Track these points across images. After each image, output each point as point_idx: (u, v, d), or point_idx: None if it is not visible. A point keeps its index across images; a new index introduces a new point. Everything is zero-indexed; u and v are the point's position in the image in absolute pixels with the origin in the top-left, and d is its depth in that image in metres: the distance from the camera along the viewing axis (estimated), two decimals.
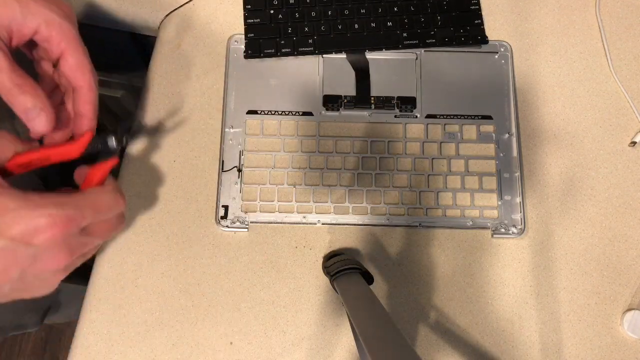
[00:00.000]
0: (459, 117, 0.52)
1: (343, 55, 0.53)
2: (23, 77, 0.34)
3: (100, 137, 0.38)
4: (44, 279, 0.32)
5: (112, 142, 0.39)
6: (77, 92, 0.38)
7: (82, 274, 0.49)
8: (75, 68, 0.37)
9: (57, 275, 0.33)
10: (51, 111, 0.35)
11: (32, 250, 0.29)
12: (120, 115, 0.88)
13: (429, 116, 0.52)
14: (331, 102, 0.52)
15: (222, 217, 0.49)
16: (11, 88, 0.34)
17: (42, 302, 0.69)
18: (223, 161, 0.51)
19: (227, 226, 0.49)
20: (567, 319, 0.48)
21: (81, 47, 0.38)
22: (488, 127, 0.53)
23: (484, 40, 0.54)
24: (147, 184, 0.50)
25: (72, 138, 0.39)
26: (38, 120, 0.35)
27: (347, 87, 0.53)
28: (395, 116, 0.52)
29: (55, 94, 0.41)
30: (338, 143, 0.51)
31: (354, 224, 0.50)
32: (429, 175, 0.51)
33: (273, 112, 0.52)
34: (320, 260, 0.49)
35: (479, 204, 0.51)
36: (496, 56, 0.54)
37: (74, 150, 0.37)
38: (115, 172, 0.51)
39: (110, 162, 0.37)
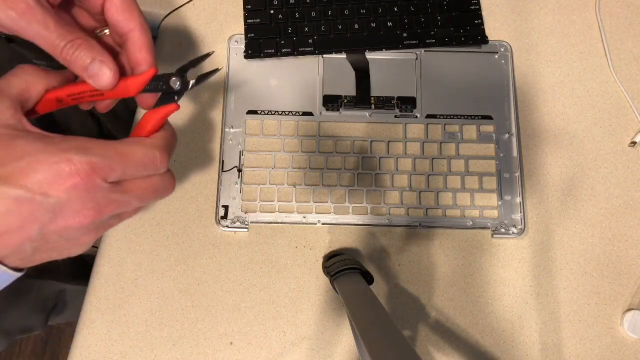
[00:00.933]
0: (459, 117, 0.52)
1: (343, 55, 0.53)
2: (73, 31, 0.30)
3: (163, 76, 0.32)
4: (71, 239, 0.28)
5: (177, 83, 0.33)
6: (129, 39, 0.33)
7: (85, 275, 0.49)
8: (122, 9, 0.33)
9: (85, 234, 0.28)
10: (112, 61, 0.31)
11: (50, 202, 0.25)
12: (118, 116, 0.88)
13: (429, 116, 0.52)
14: (331, 102, 0.52)
15: (222, 217, 0.49)
16: (64, 46, 0.29)
17: (48, 302, 0.69)
18: (223, 161, 0.51)
19: (227, 226, 0.49)
20: (567, 319, 0.48)
21: None
22: (488, 127, 0.53)
23: (484, 40, 0.54)
24: None
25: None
26: (101, 74, 0.30)
27: (347, 87, 0.53)
28: (395, 116, 0.52)
29: None
30: (338, 143, 0.51)
31: (354, 224, 0.50)
32: (429, 175, 0.51)
33: (273, 112, 0.52)
34: (320, 260, 0.49)
35: (479, 204, 0.51)
36: (496, 56, 0.54)
37: (131, 87, 0.32)
38: None
39: (168, 108, 0.32)
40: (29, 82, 0.29)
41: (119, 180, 0.28)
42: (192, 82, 0.34)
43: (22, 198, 0.25)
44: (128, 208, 0.29)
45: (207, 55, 0.35)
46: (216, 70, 0.35)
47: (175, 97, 0.33)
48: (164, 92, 0.33)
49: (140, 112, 0.52)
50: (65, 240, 0.28)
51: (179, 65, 0.34)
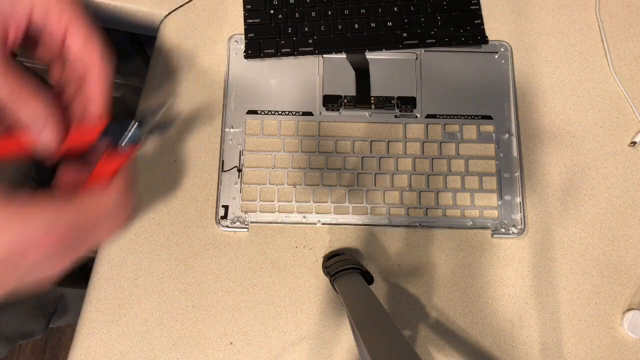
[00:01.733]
0: (459, 117, 0.52)
1: (343, 55, 0.53)
2: (21, 81, 0.28)
3: (118, 124, 0.31)
4: (44, 279, 0.29)
5: (136, 131, 0.31)
6: (87, 75, 0.32)
7: (85, 278, 0.49)
8: (83, 43, 0.31)
9: (58, 275, 0.29)
10: (56, 119, 0.29)
11: (29, 262, 0.26)
12: (118, 116, 0.87)
13: (429, 116, 0.52)
14: (331, 102, 0.52)
15: (222, 217, 0.49)
16: (9, 95, 0.28)
17: (48, 307, 0.69)
18: (223, 161, 0.51)
19: (227, 226, 0.49)
20: (567, 319, 0.48)
21: (87, 20, 0.31)
22: (488, 127, 0.53)
23: (484, 40, 0.54)
24: (147, 183, 0.50)
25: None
26: (43, 133, 0.29)
27: (347, 87, 0.53)
28: (395, 116, 0.52)
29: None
30: (338, 143, 0.51)
31: (354, 224, 0.50)
32: (429, 175, 0.51)
33: (273, 112, 0.52)
34: (320, 260, 0.49)
35: (479, 204, 0.51)
36: (496, 56, 0.54)
37: (84, 141, 0.30)
38: None
39: (130, 152, 0.31)
40: None
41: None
42: (152, 127, 0.32)
43: (1, 264, 0.25)
44: (94, 244, 0.30)
45: (170, 125, 0.34)
46: (170, 125, 0.34)
47: (137, 144, 0.32)
48: (120, 139, 0.31)
49: (142, 106, 0.52)
50: (36, 282, 0.28)
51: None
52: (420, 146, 0.52)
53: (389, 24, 0.54)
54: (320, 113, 0.52)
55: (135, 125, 0.31)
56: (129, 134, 0.31)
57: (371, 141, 0.52)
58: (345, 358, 0.47)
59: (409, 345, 0.31)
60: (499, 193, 0.51)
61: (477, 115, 0.53)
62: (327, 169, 0.51)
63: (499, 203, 0.51)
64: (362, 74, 0.53)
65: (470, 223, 0.50)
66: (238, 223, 0.49)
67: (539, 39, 0.55)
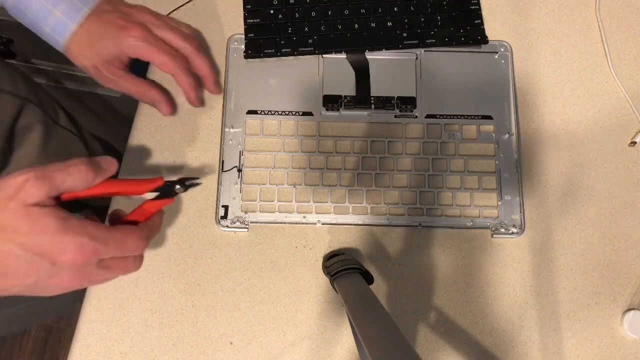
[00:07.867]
0: (459, 117, 0.52)
1: (343, 55, 0.53)
2: (141, 84, 0.48)
3: (167, 183, 0.41)
4: (49, 291, 0.34)
5: (179, 188, 0.41)
6: (190, 58, 0.49)
7: None
8: (179, 46, 0.48)
9: (61, 290, 0.35)
10: (166, 99, 0.49)
11: (53, 268, 0.32)
12: (120, 114, 0.87)
13: (429, 116, 0.52)
14: (331, 102, 0.52)
15: (222, 217, 0.49)
16: (138, 93, 0.48)
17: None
18: (223, 161, 0.51)
19: (227, 226, 0.49)
20: (567, 319, 0.48)
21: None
22: (488, 127, 0.53)
23: (484, 40, 0.54)
24: None
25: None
26: (160, 107, 0.49)
27: (347, 87, 0.53)
28: (395, 116, 0.52)
29: None
30: (338, 143, 0.51)
31: (354, 224, 0.50)
32: (428, 175, 0.51)
33: (273, 112, 0.52)
34: (320, 260, 0.49)
35: (479, 204, 0.51)
36: (496, 56, 0.54)
37: (142, 190, 0.40)
38: (116, 173, 0.51)
39: (166, 202, 0.40)
40: (76, 186, 0.35)
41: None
42: (187, 187, 0.42)
43: (34, 261, 0.31)
44: (102, 279, 0.37)
45: (197, 184, 0.43)
46: (198, 183, 0.43)
47: (172, 195, 0.41)
48: (163, 192, 0.41)
49: (143, 105, 0.52)
50: (44, 290, 0.34)
51: None
52: (420, 146, 0.52)
53: (389, 24, 0.54)
54: (320, 113, 0.52)
55: (176, 184, 0.41)
56: (169, 190, 0.41)
57: (371, 141, 0.52)
58: (345, 358, 0.47)
59: (409, 345, 0.31)
60: (499, 193, 0.51)
61: (477, 115, 0.53)
62: (327, 169, 0.51)
63: (499, 203, 0.51)
64: (362, 74, 0.53)
65: (470, 223, 0.50)
66: (238, 223, 0.49)
67: (539, 39, 0.55)
